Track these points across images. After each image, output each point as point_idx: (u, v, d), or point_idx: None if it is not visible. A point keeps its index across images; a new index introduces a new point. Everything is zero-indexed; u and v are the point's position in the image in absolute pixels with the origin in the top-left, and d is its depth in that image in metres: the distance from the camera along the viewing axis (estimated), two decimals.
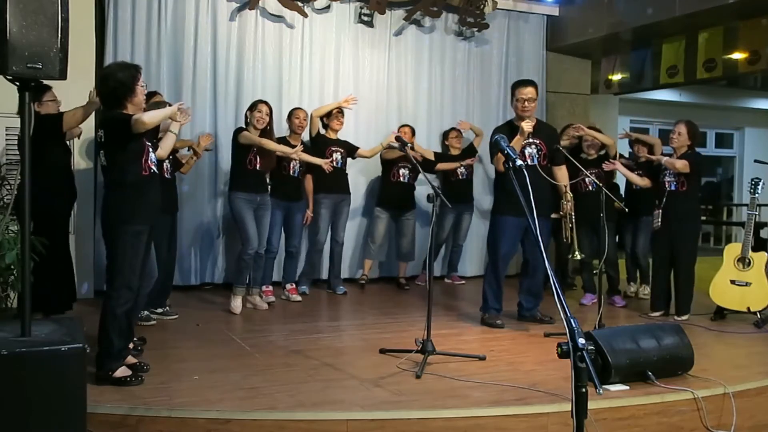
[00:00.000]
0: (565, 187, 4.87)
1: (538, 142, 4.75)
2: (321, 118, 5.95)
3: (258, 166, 5.15)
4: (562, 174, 4.94)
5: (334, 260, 6.16)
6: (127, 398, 3.09)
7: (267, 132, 5.20)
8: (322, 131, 5.96)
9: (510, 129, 4.71)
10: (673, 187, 5.15)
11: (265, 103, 5.25)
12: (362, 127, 6.60)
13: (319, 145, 5.87)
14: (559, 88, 7.66)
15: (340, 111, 5.98)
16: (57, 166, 4.49)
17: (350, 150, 6.04)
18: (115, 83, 3.37)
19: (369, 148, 6.18)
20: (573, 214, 4.80)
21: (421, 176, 6.61)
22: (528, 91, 4.71)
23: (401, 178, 6.28)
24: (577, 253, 4.80)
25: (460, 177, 6.54)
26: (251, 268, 5.23)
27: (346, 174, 6.08)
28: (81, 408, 2.55)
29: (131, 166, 3.39)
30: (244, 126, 5.27)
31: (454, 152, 6.60)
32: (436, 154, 6.58)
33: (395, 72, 6.83)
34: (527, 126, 4.46)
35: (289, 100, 6.21)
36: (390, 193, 6.32)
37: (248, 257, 5.12)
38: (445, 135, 6.75)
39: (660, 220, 5.15)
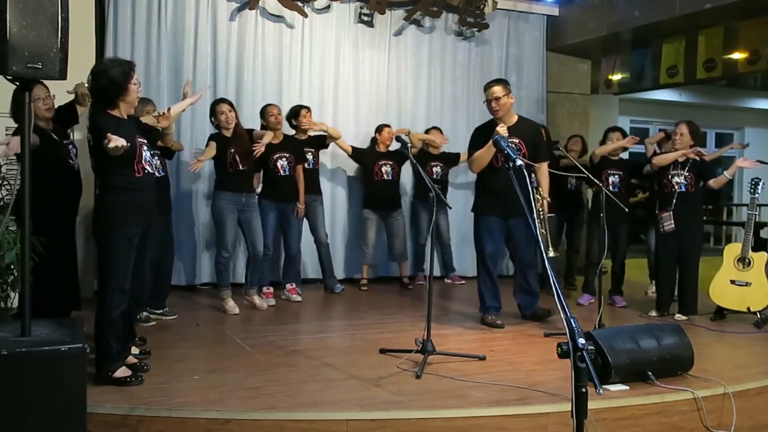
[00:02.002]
0: (539, 185, 4.84)
1: (517, 141, 4.69)
2: (290, 119, 5.84)
3: (240, 166, 5.08)
4: (541, 172, 4.84)
5: (323, 260, 6.10)
6: (127, 398, 3.08)
7: (238, 129, 5.08)
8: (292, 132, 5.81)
9: (491, 128, 4.61)
10: (683, 189, 5.17)
11: (224, 100, 5.16)
12: (362, 126, 6.60)
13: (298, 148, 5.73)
14: (559, 88, 7.66)
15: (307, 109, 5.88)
16: (51, 165, 4.23)
17: (317, 144, 5.96)
18: (107, 82, 3.29)
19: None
20: (545, 211, 4.75)
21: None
22: (492, 91, 4.66)
23: (385, 176, 6.21)
24: (551, 250, 4.79)
25: (434, 177, 6.38)
26: (230, 270, 5.30)
27: (317, 173, 6.03)
28: (81, 408, 2.55)
29: (124, 169, 3.32)
30: (216, 132, 5.16)
31: (434, 152, 6.50)
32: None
33: (395, 72, 6.83)
34: (502, 129, 4.44)
35: (289, 100, 6.20)
36: (375, 193, 6.25)
37: (224, 260, 5.16)
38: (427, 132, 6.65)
39: (672, 222, 5.14)
